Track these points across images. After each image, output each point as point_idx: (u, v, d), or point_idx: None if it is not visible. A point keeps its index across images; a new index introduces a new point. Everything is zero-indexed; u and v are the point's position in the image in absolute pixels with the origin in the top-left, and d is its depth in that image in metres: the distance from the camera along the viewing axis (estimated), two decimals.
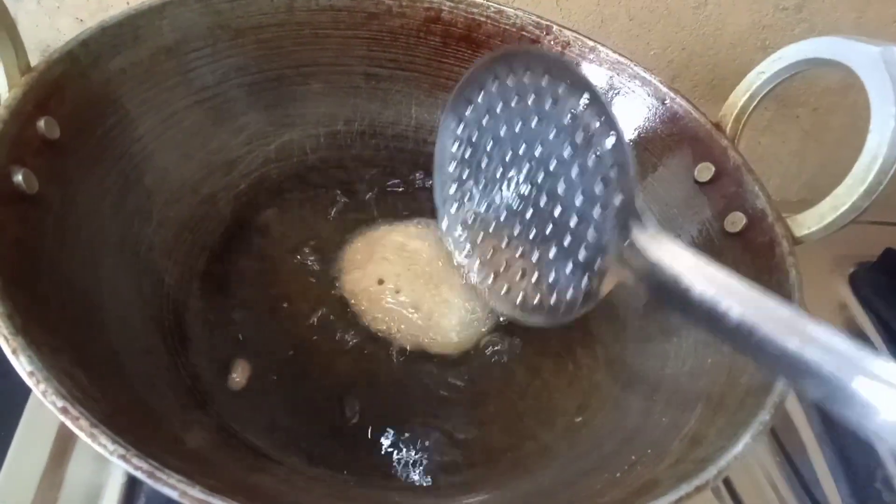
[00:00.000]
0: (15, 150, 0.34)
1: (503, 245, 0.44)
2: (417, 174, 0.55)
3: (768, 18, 0.65)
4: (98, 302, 0.37)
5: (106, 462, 0.42)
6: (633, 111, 0.50)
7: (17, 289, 0.30)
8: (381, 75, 0.53)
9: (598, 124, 0.36)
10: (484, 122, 0.44)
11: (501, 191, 0.43)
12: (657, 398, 0.40)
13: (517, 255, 0.43)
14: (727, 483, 0.49)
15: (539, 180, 0.41)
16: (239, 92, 0.49)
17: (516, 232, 0.43)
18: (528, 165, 0.41)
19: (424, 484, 0.38)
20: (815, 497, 0.50)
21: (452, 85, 0.53)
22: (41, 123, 0.36)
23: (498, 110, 0.42)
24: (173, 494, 0.25)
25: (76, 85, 0.39)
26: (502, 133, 0.43)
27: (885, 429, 0.25)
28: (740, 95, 0.46)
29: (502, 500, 0.37)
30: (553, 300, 0.40)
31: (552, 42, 0.51)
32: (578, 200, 0.38)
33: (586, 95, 0.37)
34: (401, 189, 0.54)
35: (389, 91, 0.54)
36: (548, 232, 0.41)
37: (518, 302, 0.43)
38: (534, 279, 0.42)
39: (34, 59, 0.38)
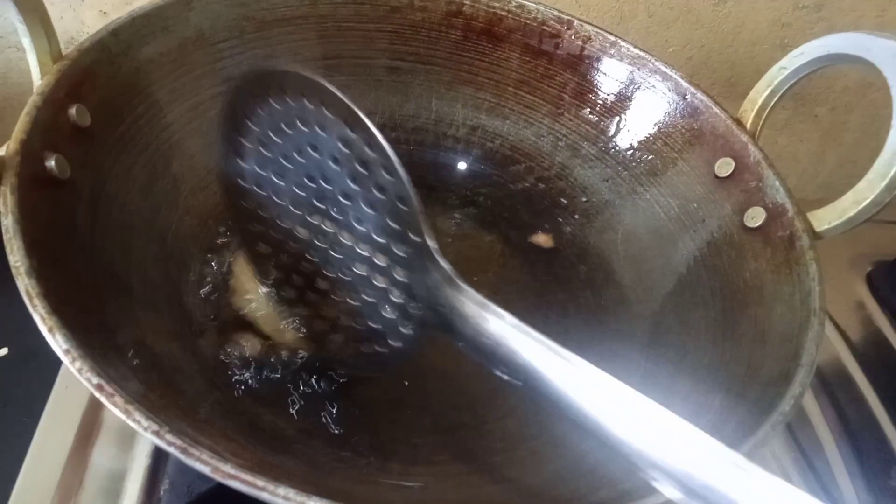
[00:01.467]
0: (48, 136, 0.35)
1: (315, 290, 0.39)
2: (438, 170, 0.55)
3: (788, 17, 0.65)
4: (127, 285, 0.37)
5: (130, 446, 0.43)
6: (654, 106, 0.50)
7: (51, 270, 0.30)
8: (402, 68, 0.54)
9: (371, 152, 0.32)
10: (266, 156, 0.37)
11: (302, 223, 0.38)
12: (676, 390, 0.40)
13: (334, 302, 0.38)
14: None
15: (333, 213, 0.36)
16: None
17: (325, 270, 0.38)
18: (317, 196, 0.36)
19: (445, 469, 0.38)
20: (831, 493, 0.50)
21: (473, 79, 0.54)
22: (72, 111, 0.37)
23: (274, 143, 0.36)
24: (205, 470, 0.25)
25: (106, 73, 0.40)
26: (291, 157, 0.36)
27: None
28: (761, 91, 0.46)
29: (522, 486, 0.37)
30: (374, 348, 0.37)
31: (573, 36, 0.52)
32: (380, 238, 0.34)
33: (353, 124, 0.32)
34: (422, 183, 0.54)
35: (410, 84, 0.54)
36: (360, 275, 0.36)
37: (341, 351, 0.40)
38: (353, 326, 0.38)
39: None
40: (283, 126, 0.35)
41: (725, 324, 0.42)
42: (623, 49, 0.51)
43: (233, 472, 0.25)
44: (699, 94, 0.48)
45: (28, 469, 0.41)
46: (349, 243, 0.36)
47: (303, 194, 0.37)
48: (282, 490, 0.25)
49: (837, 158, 0.79)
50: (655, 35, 0.65)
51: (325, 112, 0.33)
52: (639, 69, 0.50)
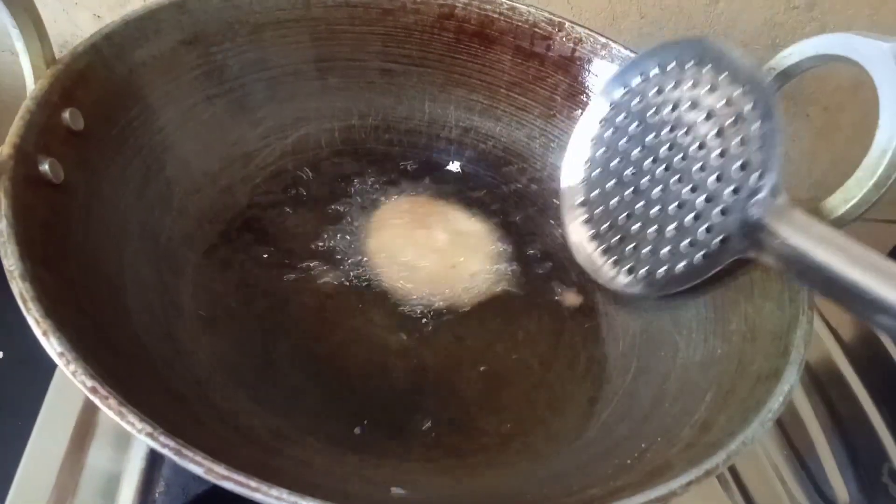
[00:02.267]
0: (42, 140, 0.35)
1: (620, 219, 0.46)
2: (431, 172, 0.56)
3: (779, 16, 0.65)
4: (121, 287, 0.38)
5: (125, 448, 0.44)
6: None
7: (45, 272, 0.31)
8: (395, 71, 0.54)
9: (751, 107, 0.40)
10: (633, 105, 0.47)
11: (634, 170, 0.46)
12: (668, 387, 0.41)
13: (633, 229, 0.45)
14: (736, 477, 0.50)
15: (674, 162, 0.43)
16: (257, 86, 0.49)
17: (638, 208, 0.45)
18: (667, 148, 0.44)
19: (439, 465, 0.38)
20: (823, 491, 0.50)
21: (465, 81, 0.55)
22: (66, 114, 0.37)
23: (650, 95, 0.46)
24: (198, 471, 0.25)
25: (100, 77, 0.40)
26: (648, 117, 0.46)
27: None
28: None
29: (516, 483, 0.37)
30: (661, 273, 0.43)
31: (564, 38, 0.52)
32: (712, 182, 0.41)
33: (748, 85, 0.40)
34: (416, 184, 0.55)
35: (403, 86, 0.55)
36: (671, 210, 0.43)
37: (624, 272, 0.46)
38: (646, 251, 0.44)
39: None
40: (673, 82, 0.45)
41: (716, 322, 0.42)
42: (614, 51, 0.51)
43: (226, 472, 0.25)
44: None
45: (24, 472, 0.41)
46: (675, 188, 0.43)
47: (647, 142, 0.45)
48: (275, 491, 0.25)
49: (830, 157, 0.79)
50: (648, 36, 0.66)
51: (726, 77, 0.42)
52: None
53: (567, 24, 0.52)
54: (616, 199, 0.47)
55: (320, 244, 0.49)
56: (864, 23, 0.67)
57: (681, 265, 0.42)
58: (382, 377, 0.42)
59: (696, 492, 0.45)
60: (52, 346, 0.28)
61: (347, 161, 0.54)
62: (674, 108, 0.44)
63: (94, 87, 0.39)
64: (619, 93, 0.48)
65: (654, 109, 0.45)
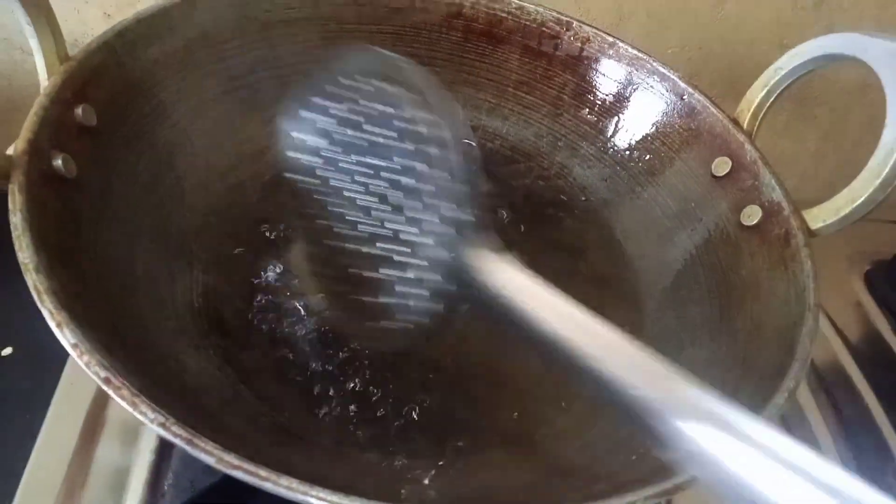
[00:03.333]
0: (55, 136, 0.35)
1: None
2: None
3: (787, 16, 0.66)
4: (132, 282, 0.38)
5: (134, 442, 0.44)
6: (652, 106, 0.51)
7: (60, 266, 0.31)
8: None
9: (447, 135, 0.34)
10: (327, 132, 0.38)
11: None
12: None
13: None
14: None
15: (380, 190, 0.37)
16: (268, 83, 0.50)
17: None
18: (369, 175, 0.37)
19: (446, 462, 0.39)
20: None
21: (473, 80, 0.55)
22: (79, 111, 0.38)
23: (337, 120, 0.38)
24: (210, 461, 0.26)
25: (112, 74, 0.40)
26: (343, 144, 0.38)
27: None
28: (757, 91, 0.47)
29: (521, 480, 0.38)
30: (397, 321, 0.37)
31: (572, 38, 0.52)
32: (419, 212, 0.35)
33: (417, 95, 0.34)
34: None
35: None
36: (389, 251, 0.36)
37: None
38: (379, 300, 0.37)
39: None
40: (356, 103, 0.36)
41: (722, 320, 0.42)
42: (622, 50, 0.51)
43: (237, 462, 0.26)
44: (696, 95, 0.49)
45: (34, 465, 0.42)
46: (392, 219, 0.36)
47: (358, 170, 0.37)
48: (284, 480, 0.26)
49: (837, 159, 0.79)
50: (655, 36, 0.66)
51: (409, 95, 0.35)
52: (637, 70, 0.51)
53: (575, 23, 0.52)
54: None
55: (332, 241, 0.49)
56: (871, 22, 0.67)
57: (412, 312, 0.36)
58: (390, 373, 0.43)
59: (700, 488, 0.45)
60: (66, 337, 0.28)
61: None
62: (360, 130, 0.37)
63: (107, 83, 0.40)
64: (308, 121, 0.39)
65: (344, 134, 0.37)
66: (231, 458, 0.26)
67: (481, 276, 0.32)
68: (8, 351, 0.49)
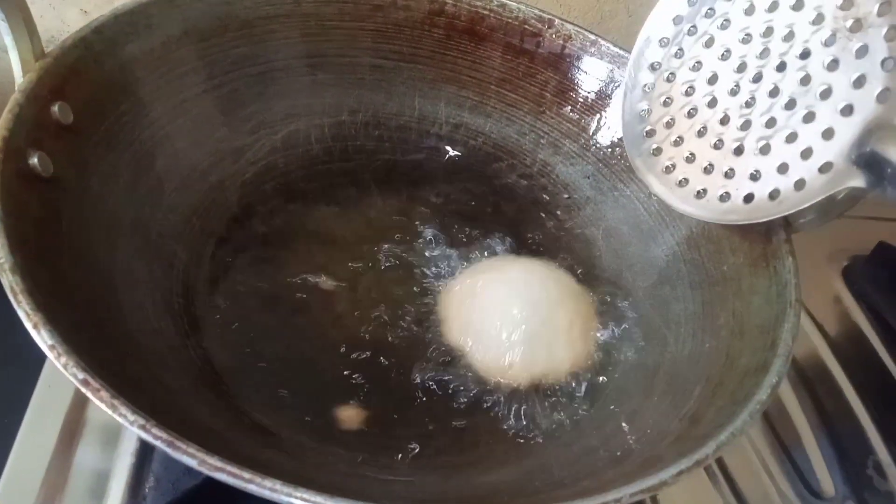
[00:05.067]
0: (31, 134, 0.35)
1: (698, 134, 0.41)
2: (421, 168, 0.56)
3: None
4: (112, 283, 0.37)
5: (114, 444, 0.43)
6: None
7: (37, 266, 0.31)
8: (385, 67, 0.54)
9: (875, 10, 0.33)
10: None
11: (713, 77, 0.40)
12: (657, 381, 0.41)
13: (717, 147, 0.41)
14: (724, 470, 0.50)
15: (771, 69, 0.38)
16: (248, 81, 0.49)
17: (714, 123, 0.40)
18: (761, 52, 0.38)
19: (432, 462, 0.39)
20: (809, 483, 0.51)
21: (455, 77, 0.55)
22: (55, 108, 0.37)
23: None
24: (192, 463, 0.26)
25: (90, 71, 0.40)
26: (738, 15, 0.39)
27: None
28: None
29: (508, 478, 0.38)
30: (743, 197, 0.39)
31: (554, 35, 0.52)
32: (817, 93, 0.36)
33: None
34: (405, 180, 0.55)
35: (393, 82, 0.55)
36: (766, 126, 0.38)
37: (712, 200, 0.41)
38: (736, 176, 0.40)
39: None
40: None
41: (705, 317, 0.42)
42: (603, 48, 0.51)
43: (219, 464, 0.26)
44: None
45: (11, 469, 0.41)
46: (769, 99, 0.38)
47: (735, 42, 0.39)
48: (268, 482, 0.25)
49: None
50: (635, 34, 0.66)
51: None
52: (619, 67, 0.51)
53: (557, 21, 0.52)
54: (689, 109, 0.41)
55: (313, 242, 0.49)
56: None
57: (767, 191, 0.38)
58: (377, 374, 0.43)
59: (685, 484, 0.46)
60: (42, 339, 0.28)
61: (337, 158, 0.54)
62: (771, 8, 0.38)
63: (84, 81, 0.39)
64: None
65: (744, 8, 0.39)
66: (214, 461, 0.26)
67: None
68: None
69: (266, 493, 0.25)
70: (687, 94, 0.42)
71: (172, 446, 0.26)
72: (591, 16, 0.64)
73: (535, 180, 0.55)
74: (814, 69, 0.36)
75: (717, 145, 0.41)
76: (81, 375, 0.27)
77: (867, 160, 0.34)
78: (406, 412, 0.41)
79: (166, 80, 0.45)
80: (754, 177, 0.39)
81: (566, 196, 0.54)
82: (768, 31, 0.38)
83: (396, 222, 0.52)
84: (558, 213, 0.54)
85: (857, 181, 0.35)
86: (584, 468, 0.36)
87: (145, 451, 0.42)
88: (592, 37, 0.52)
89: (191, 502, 0.39)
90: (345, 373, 0.42)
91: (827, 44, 0.35)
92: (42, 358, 0.47)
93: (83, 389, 0.27)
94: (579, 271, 0.50)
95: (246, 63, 0.49)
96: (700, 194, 0.42)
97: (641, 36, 0.45)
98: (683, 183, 0.43)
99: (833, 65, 0.35)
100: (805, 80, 0.36)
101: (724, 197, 0.41)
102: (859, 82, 0.34)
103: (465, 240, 0.51)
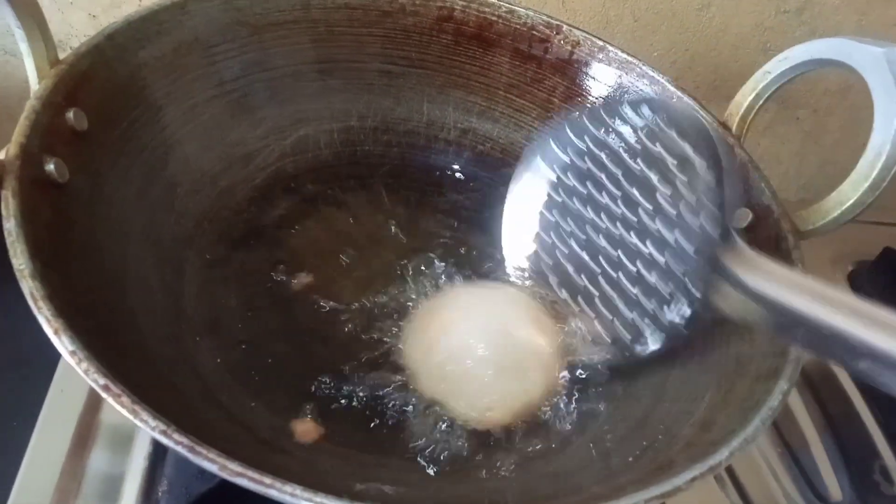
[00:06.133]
0: (47, 140, 0.35)
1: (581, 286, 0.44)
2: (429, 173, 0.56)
3: (770, 21, 0.66)
4: (125, 288, 0.38)
5: (127, 449, 0.44)
6: None
7: (52, 272, 0.31)
8: (393, 72, 0.54)
9: (698, 158, 0.39)
10: (584, 165, 0.45)
11: (588, 232, 0.44)
12: (666, 388, 0.41)
13: (594, 297, 0.43)
14: (732, 475, 0.50)
15: (629, 219, 0.42)
16: (257, 86, 0.50)
17: (595, 270, 0.43)
18: (620, 206, 0.42)
19: (442, 467, 0.39)
20: (816, 488, 0.51)
21: (464, 83, 0.55)
22: (70, 115, 0.37)
23: (601, 154, 0.44)
24: (213, 468, 0.26)
25: (103, 77, 0.40)
26: (599, 176, 0.44)
27: None
28: (746, 94, 0.47)
29: (520, 482, 0.38)
30: (632, 337, 0.42)
31: (562, 41, 0.52)
32: (667, 234, 0.40)
33: (697, 142, 0.39)
34: (414, 185, 0.56)
35: (402, 88, 0.55)
36: (630, 269, 0.41)
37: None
38: (614, 316, 0.43)
39: None
40: (622, 142, 0.43)
41: (714, 323, 0.42)
42: (611, 54, 0.52)
43: (240, 469, 0.26)
44: (686, 99, 0.49)
45: (25, 473, 0.41)
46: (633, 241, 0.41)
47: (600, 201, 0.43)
48: (289, 487, 0.26)
49: (818, 160, 0.80)
50: (641, 39, 0.66)
51: (675, 137, 0.40)
52: (626, 73, 0.51)
53: (565, 27, 0.52)
54: (573, 265, 0.45)
55: (322, 246, 0.49)
56: (851, 28, 0.68)
57: (650, 327, 0.41)
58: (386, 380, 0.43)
59: (693, 487, 0.46)
60: (63, 344, 0.28)
61: (346, 163, 0.55)
62: (622, 163, 0.43)
63: (97, 87, 0.40)
64: (565, 151, 0.46)
65: (603, 166, 0.44)
66: (234, 466, 0.26)
67: (738, 273, 0.36)
68: None
69: (286, 499, 0.25)
70: (568, 249, 0.45)
71: (193, 451, 0.26)
72: (597, 21, 0.65)
73: None
74: (662, 208, 0.40)
75: (604, 291, 0.43)
76: (102, 381, 0.27)
77: (715, 282, 0.37)
78: (414, 418, 0.41)
79: (177, 85, 0.45)
80: (642, 316, 0.41)
81: None
82: (623, 182, 0.42)
83: (405, 230, 0.52)
84: None
85: (718, 307, 0.38)
86: (595, 473, 0.36)
87: (158, 456, 0.43)
88: (601, 43, 0.52)
89: None
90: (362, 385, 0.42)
91: (667, 183, 0.40)
92: (52, 363, 0.47)
93: (104, 395, 0.27)
94: None
95: (256, 69, 0.49)
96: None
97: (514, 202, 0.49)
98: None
99: (674, 201, 0.40)
100: (656, 217, 0.40)
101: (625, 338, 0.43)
102: (695, 213, 0.38)
103: (473, 252, 0.51)
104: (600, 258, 0.43)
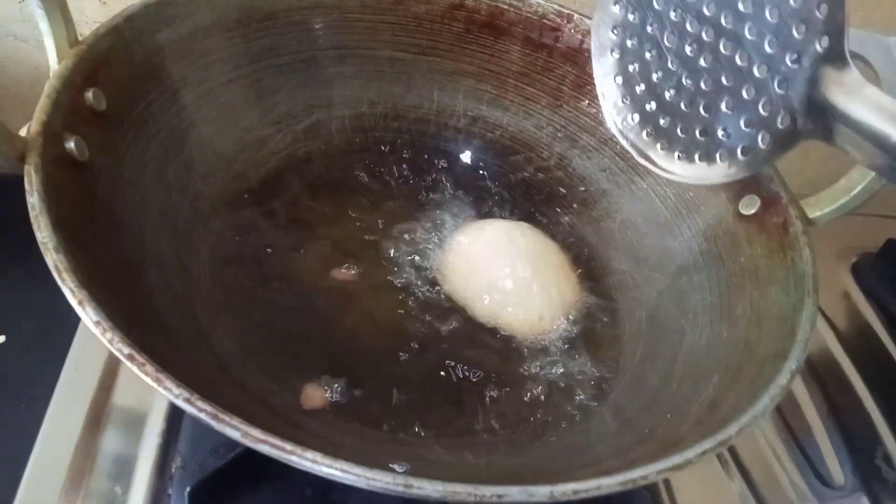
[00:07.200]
0: (67, 118, 0.36)
1: (667, 96, 0.42)
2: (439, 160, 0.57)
3: None
4: (143, 267, 0.38)
5: (140, 426, 0.44)
6: None
7: (76, 246, 0.31)
8: (405, 59, 0.55)
9: None
10: None
11: (675, 34, 0.41)
12: (675, 369, 0.42)
13: (683, 107, 0.42)
14: (737, 459, 0.51)
15: (722, 24, 0.38)
16: (271, 72, 0.50)
17: (685, 82, 0.41)
18: (712, 7, 0.39)
19: (455, 443, 0.39)
20: (820, 473, 0.52)
21: (474, 70, 0.55)
22: (89, 95, 0.38)
23: None
24: (235, 435, 0.26)
25: (121, 59, 0.41)
26: None
27: None
28: None
29: (530, 460, 0.38)
30: (720, 156, 0.40)
31: (573, 30, 0.53)
32: (767, 47, 0.36)
33: None
34: (424, 172, 0.56)
35: (413, 75, 0.56)
36: (723, 82, 0.39)
37: (678, 157, 0.43)
38: (699, 133, 0.41)
39: None
40: None
41: (722, 307, 0.43)
42: None
43: (262, 436, 0.26)
44: None
45: (39, 451, 0.42)
46: (724, 55, 0.39)
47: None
48: (310, 454, 0.26)
49: (822, 155, 0.80)
50: None
51: None
52: None
53: (576, 15, 0.53)
54: (658, 71, 0.42)
55: (334, 230, 0.49)
56: (857, 24, 0.68)
57: (739, 148, 0.39)
58: (399, 359, 0.43)
59: (699, 473, 0.47)
60: (88, 315, 0.28)
61: (357, 149, 0.55)
62: None
63: (116, 68, 0.40)
64: None
65: None
66: (257, 433, 0.26)
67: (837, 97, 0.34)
68: (1, 339, 0.48)
69: (306, 465, 0.26)
70: (652, 57, 0.43)
71: (216, 419, 0.26)
72: None
73: (552, 173, 0.56)
74: (764, 18, 0.36)
75: (688, 106, 0.42)
76: (127, 350, 0.28)
77: (817, 111, 0.36)
78: (429, 396, 0.42)
79: (193, 68, 0.45)
80: (726, 134, 0.40)
81: (582, 189, 0.55)
82: None
83: (414, 214, 0.53)
84: (575, 205, 0.55)
85: (815, 135, 0.37)
86: (606, 449, 0.36)
87: (171, 432, 0.43)
88: None
89: (217, 482, 0.40)
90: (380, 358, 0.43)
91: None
92: (64, 343, 0.48)
93: (128, 364, 0.27)
94: (596, 263, 0.51)
95: (270, 54, 0.50)
96: (681, 157, 0.43)
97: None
98: (665, 146, 0.44)
99: (780, 12, 0.36)
100: (757, 31, 0.37)
101: (703, 157, 0.42)
102: (804, 29, 0.35)
103: None
104: (691, 70, 0.40)
